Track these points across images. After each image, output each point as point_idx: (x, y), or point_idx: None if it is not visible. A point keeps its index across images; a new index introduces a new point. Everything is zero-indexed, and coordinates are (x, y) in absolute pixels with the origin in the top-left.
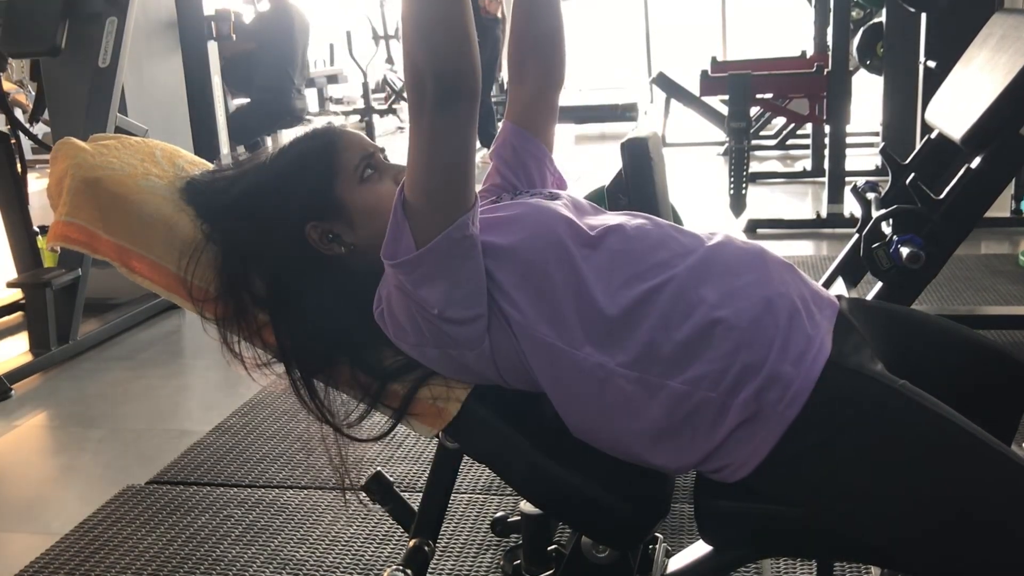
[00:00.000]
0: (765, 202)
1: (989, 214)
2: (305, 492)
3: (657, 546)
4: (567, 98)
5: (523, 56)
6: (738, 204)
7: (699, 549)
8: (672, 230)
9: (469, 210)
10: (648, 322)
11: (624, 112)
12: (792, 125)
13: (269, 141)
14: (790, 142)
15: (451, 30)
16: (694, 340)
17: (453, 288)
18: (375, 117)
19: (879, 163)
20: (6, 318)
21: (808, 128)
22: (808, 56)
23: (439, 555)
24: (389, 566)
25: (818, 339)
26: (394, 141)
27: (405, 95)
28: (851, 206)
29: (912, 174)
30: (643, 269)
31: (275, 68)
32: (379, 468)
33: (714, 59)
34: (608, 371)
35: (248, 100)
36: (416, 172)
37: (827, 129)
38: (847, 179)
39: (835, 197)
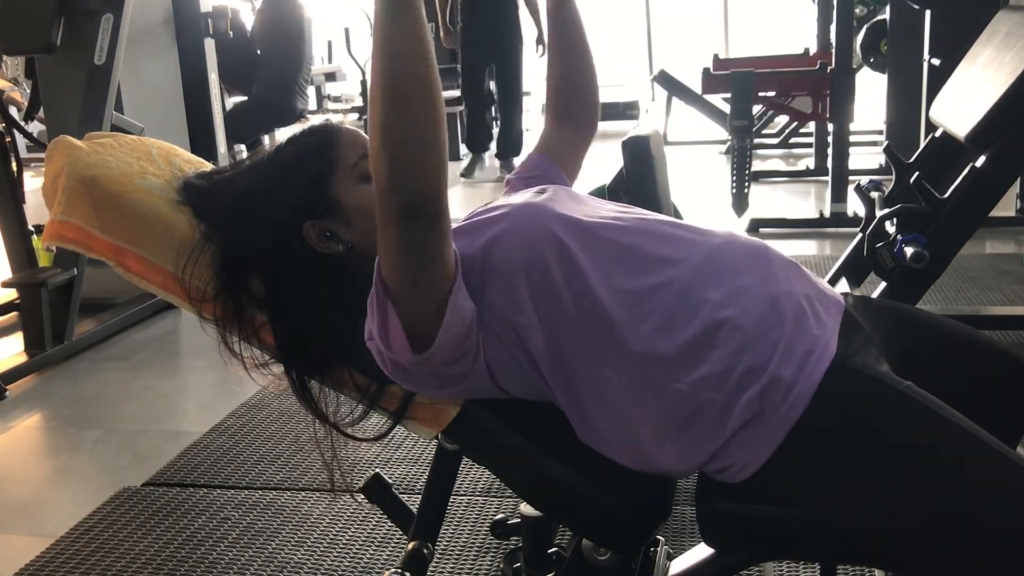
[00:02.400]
0: (768, 201)
1: (994, 213)
2: (303, 494)
3: (658, 549)
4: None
5: (562, 108)
6: (740, 203)
7: (701, 551)
8: (673, 226)
9: (453, 284)
10: (651, 322)
11: (625, 110)
12: (795, 123)
13: (267, 139)
14: (793, 140)
15: (421, 152)
16: (698, 340)
17: (451, 359)
18: None
19: (883, 162)
20: (1, 318)
21: (811, 126)
22: (811, 54)
23: (438, 558)
24: (388, 568)
25: (823, 339)
26: None
27: None
28: (855, 205)
29: (916, 173)
30: (645, 263)
31: (278, 66)
32: (378, 470)
33: (716, 56)
34: (612, 371)
35: (245, 98)
36: (386, 264)
37: (830, 127)
38: (851, 178)
39: (838, 196)
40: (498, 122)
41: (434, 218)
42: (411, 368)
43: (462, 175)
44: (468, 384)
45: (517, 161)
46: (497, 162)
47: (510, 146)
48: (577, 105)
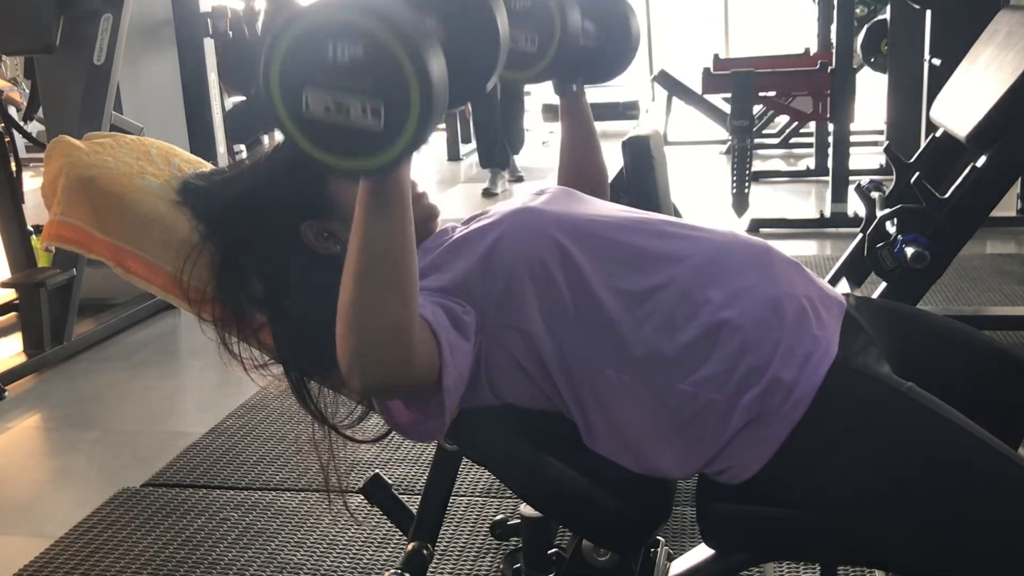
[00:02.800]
0: (768, 201)
1: (995, 213)
2: (303, 495)
3: (659, 549)
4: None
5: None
6: (741, 203)
7: (701, 552)
8: (673, 224)
9: (439, 367)
10: (652, 323)
11: (625, 110)
12: (795, 123)
13: (266, 139)
14: (793, 140)
15: (389, 340)
16: (699, 341)
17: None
18: None
19: (883, 162)
20: (0, 319)
21: (811, 126)
22: (812, 53)
23: (438, 558)
24: (388, 569)
25: (824, 340)
26: None
27: None
28: (855, 205)
29: (917, 173)
30: (645, 262)
31: None
32: (377, 470)
33: (716, 56)
34: (614, 371)
35: (244, 98)
36: None
37: (831, 127)
38: (851, 178)
39: (839, 196)
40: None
41: (397, 390)
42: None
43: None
44: (467, 396)
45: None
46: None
47: (513, 147)
48: (585, 188)
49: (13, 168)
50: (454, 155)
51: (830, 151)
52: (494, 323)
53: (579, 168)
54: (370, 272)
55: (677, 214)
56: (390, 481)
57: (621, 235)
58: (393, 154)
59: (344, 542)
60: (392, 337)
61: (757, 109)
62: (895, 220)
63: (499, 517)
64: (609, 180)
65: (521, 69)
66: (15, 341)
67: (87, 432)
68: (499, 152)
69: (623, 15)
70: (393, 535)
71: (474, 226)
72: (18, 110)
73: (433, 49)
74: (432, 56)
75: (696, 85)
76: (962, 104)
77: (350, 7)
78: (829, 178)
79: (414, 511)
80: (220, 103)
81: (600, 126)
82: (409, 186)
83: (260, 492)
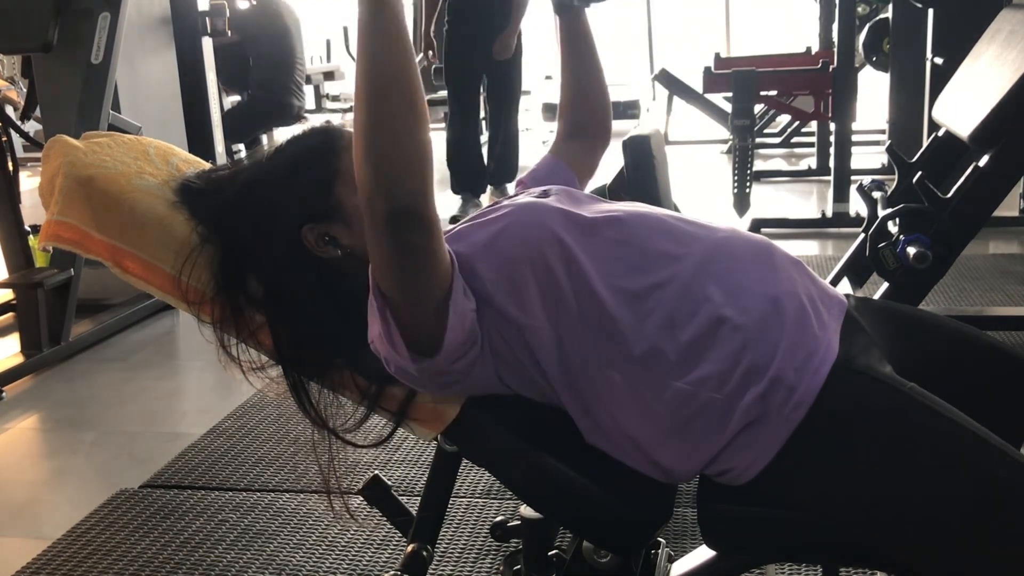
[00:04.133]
0: (769, 201)
1: (997, 213)
2: (301, 496)
3: (660, 551)
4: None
5: (574, 123)
6: (742, 203)
7: (702, 554)
8: (674, 220)
9: (451, 287)
10: (653, 320)
11: (626, 109)
12: (797, 123)
13: (265, 140)
14: (795, 140)
15: (408, 161)
16: (699, 340)
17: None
18: None
19: (885, 161)
20: None
21: (813, 126)
22: (813, 52)
23: (437, 560)
24: (387, 571)
25: (825, 340)
26: None
27: None
28: (857, 205)
29: (919, 172)
30: (645, 260)
31: (270, 65)
32: (377, 472)
33: (717, 55)
34: (614, 370)
35: (242, 98)
36: (378, 271)
37: (832, 127)
38: (853, 177)
39: (840, 196)
40: (490, 143)
41: (422, 221)
42: (417, 372)
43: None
44: (472, 380)
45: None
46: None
47: (506, 170)
48: (589, 119)
49: (10, 168)
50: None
51: (832, 150)
52: (494, 315)
53: (582, 92)
54: (377, 86)
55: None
56: (389, 482)
57: (621, 232)
58: None
59: (343, 544)
60: (409, 148)
61: (758, 108)
62: (897, 220)
63: (499, 519)
64: (610, 131)
65: None
66: (12, 342)
67: (85, 433)
68: (472, 173)
69: None
70: (393, 537)
71: (477, 220)
72: (15, 109)
73: None
74: None
75: (697, 84)
76: (964, 103)
77: None
78: (831, 178)
79: (414, 512)
80: (219, 102)
81: None
82: (403, 10)
83: (259, 493)
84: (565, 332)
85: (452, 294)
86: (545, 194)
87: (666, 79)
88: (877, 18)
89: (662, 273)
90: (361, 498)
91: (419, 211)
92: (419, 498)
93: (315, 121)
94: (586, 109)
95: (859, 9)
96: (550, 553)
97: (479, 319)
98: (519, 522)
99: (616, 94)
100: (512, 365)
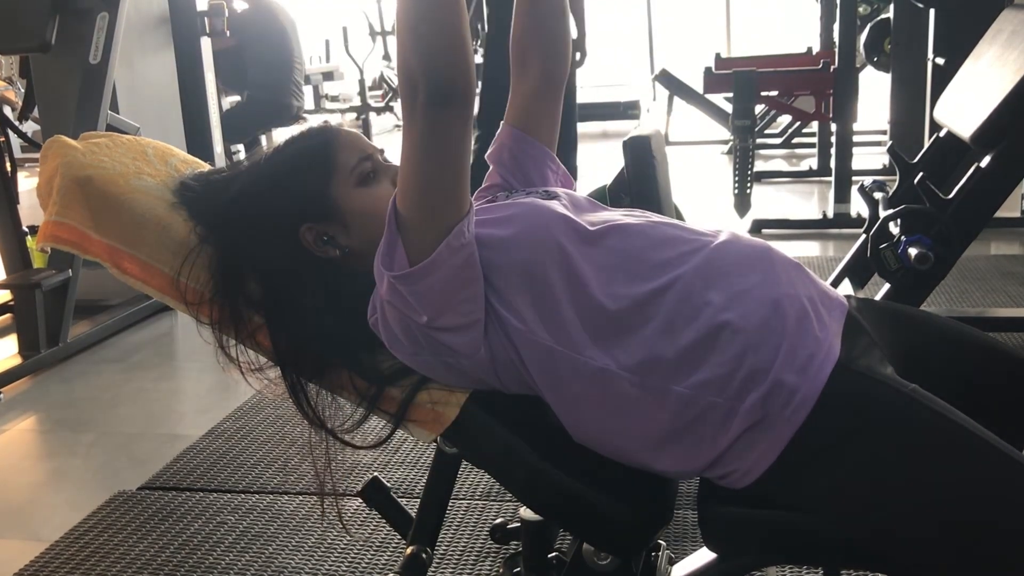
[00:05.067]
0: (770, 202)
1: (999, 214)
2: (300, 498)
3: (660, 553)
4: None
5: (525, 52)
6: (743, 204)
7: (703, 556)
8: (675, 228)
9: (464, 216)
10: (652, 325)
11: (626, 110)
12: (798, 123)
13: (264, 140)
14: (796, 140)
15: (446, 31)
16: (699, 344)
17: (452, 295)
18: (372, 115)
19: (887, 162)
20: None
21: (814, 126)
22: (814, 53)
23: (437, 562)
24: (386, 573)
25: (827, 342)
26: (391, 139)
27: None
28: (858, 206)
29: (920, 173)
30: (646, 268)
31: (269, 65)
32: (376, 473)
33: (718, 55)
34: (611, 375)
35: (240, 98)
36: (408, 178)
37: (833, 127)
38: (854, 178)
39: (842, 197)
40: None
41: (463, 101)
42: (410, 321)
43: None
44: (472, 366)
45: None
46: None
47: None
48: (543, 42)
49: (8, 168)
50: None
51: (833, 151)
52: (492, 316)
53: (542, 26)
54: None
55: (679, 214)
56: (389, 484)
57: (623, 241)
58: None
59: (342, 546)
60: (450, 23)
61: (759, 109)
62: (898, 221)
63: (499, 521)
64: (567, 61)
65: None
66: (10, 343)
67: (83, 435)
68: None
69: None
70: (392, 539)
71: (483, 216)
72: (13, 110)
73: None
74: None
75: (698, 84)
76: (966, 104)
77: None
78: (832, 178)
79: (413, 514)
80: (217, 103)
81: (601, 126)
82: None
83: (258, 495)
84: (561, 338)
85: (465, 219)
86: (548, 195)
87: (666, 79)
88: (878, 18)
89: (662, 279)
90: (360, 500)
91: (461, 85)
92: (419, 500)
93: (314, 122)
94: (538, 23)
95: (860, 9)
96: (550, 555)
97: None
98: (519, 524)
99: (616, 94)
100: (510, 367)
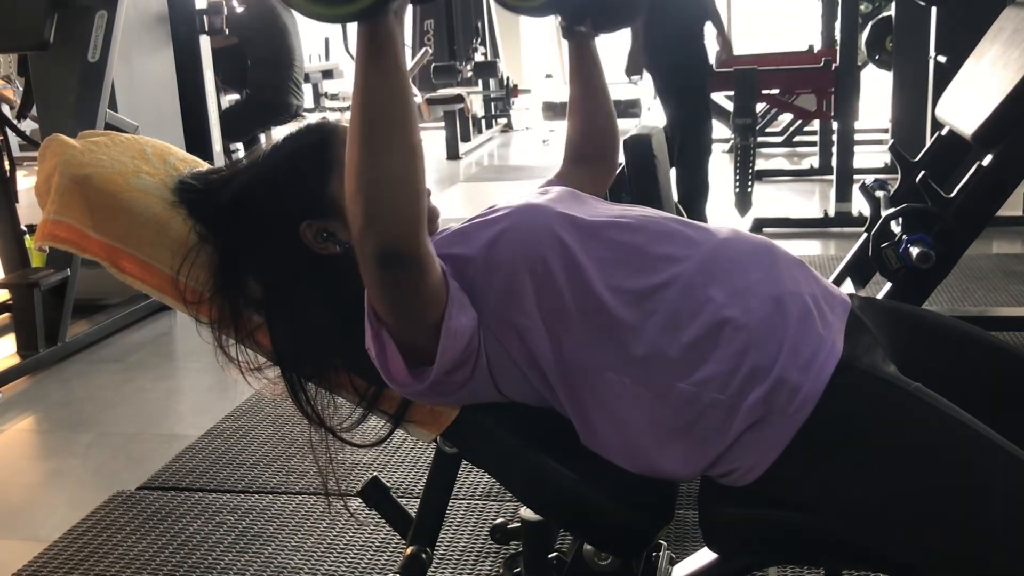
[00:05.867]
0: (771, 200)
1: (1001, 212)
2: (300, 498)
3: (661, 553)
4: (567, 95)
5: (576, 155)
6: (744, 202)
7: (704, 556)
8: (677, 224)
9: (444, 307)
10: (654, 322)
11: (626, 109)
12: (799, 121)
13: (263, 139)
14: (797, 139)
15: (397, 194)
16: (702, 340)
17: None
18: None
19: (888, 160)
20: None
21: (815, 125)
22: (816, 51)
23: (437, 562)
24: (386, 574)
25: (829, 340)
26: None
27: None
28: (859, 204)
29: (922, 172)
30: (648, 263)
31: (268, 64)
32: (375, 473)
33: (719, 54)
34: (614, 373)
35: (239, 96)
36: (372, 298)
37: (835, 126)
38: (855, 177)
39: (843, 195)
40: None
41: (412, 262)
42: (411, 384)
43: None
44: (468, 389)
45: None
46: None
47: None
48: (594, 149)
49: (7, 167)
50: (453, 154)
51: (834, 150)
52: (492, 317)
53: (593, 121)
54: (372, 126)
55: (679, 213)
56: (389, 484)
57: (623, 235)
58: (365, 2)
59: (342, 546)
60: (401, 190)
61: (760, 107)
62: (900, 220)
63: (499, 521)
64: (616, 163)
65: None
66: (8, 342)
67: (82, 435)
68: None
69: None
70: (391, 539)
71: (479, 220)
72: (11, 108)
73: None
74: None
75: None
76: (968, 102)
77: None
78: (833, 177)
79: (413, 514)
80: (216, 101)
81: None
82: (400, 41)
83: (257, 495)
84: (564, 334)
85: (446, 318)
86: (544, 193)
87: None
88: (880, 16)
89: (664, 275)
90: (360, 500)
91: (408, 253)
92: (419, 500)
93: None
94: (594, 143)
95: (862, 7)
96: (550, 556)
97: (479, 323)
98: (519, 524)
99: (616, 93)
100: (510, 373)
